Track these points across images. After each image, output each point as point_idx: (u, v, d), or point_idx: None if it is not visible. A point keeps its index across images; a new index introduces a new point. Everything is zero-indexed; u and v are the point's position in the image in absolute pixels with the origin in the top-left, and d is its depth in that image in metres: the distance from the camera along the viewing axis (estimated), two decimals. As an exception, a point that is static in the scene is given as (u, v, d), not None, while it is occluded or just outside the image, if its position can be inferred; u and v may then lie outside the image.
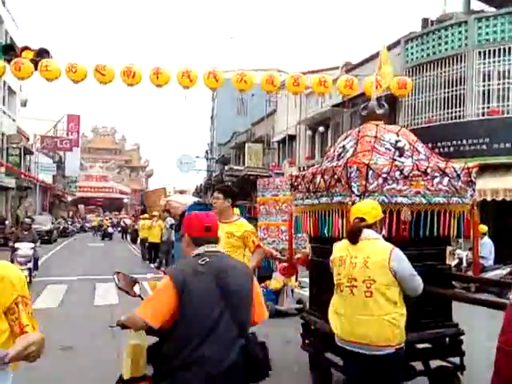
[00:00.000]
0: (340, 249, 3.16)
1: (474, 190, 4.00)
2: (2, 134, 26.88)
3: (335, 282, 3.10)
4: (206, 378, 2.11)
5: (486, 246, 9.94)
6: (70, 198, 47.94)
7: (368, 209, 3.14)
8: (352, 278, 2.96)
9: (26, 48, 10.34)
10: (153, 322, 2.19)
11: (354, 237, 3.05)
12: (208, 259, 2.28)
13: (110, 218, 38.40)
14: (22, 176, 28.67)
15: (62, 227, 29.94)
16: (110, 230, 30.41)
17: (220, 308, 2.19)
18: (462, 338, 3.94)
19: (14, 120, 29.72)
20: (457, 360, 3.92)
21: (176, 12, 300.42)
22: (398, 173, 3.74)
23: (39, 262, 12.19)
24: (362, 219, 3.06)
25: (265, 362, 2.28)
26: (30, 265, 10.28)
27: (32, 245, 10.61)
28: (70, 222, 35.25)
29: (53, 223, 26.73)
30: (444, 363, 3.99)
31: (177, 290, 2.15)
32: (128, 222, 31.07)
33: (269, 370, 2.31)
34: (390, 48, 14.42)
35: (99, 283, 10.70)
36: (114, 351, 5.59)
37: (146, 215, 18.48)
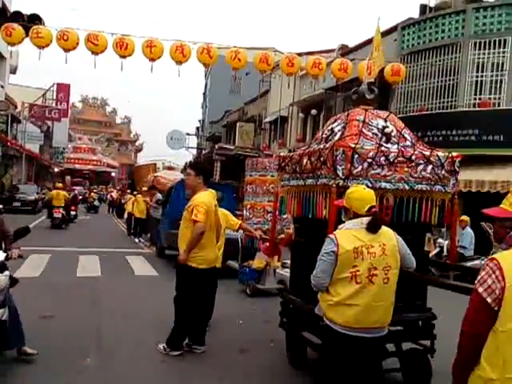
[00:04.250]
0: (349, 240, 2.87)
1: (456, 179, 4.06)
2: (-10, 100, 26.37)
3: (345, 275, 2.84)
4: None
5: (467, 236, 10.09)
6: (56, 169, 47.24)
7: (373, 196, 3.08)
8: (372, 267, 2.83)
9: (17, 13, 10.11)
10: None
11: (379, 226, 2.95)
12: None
13: (96, 191, 38.08)
14: (9, 144, 28.21)
15: (47, 198, 29.63)
16: (96, 203, 30.22)
17: None
18: (434, 322, 4.05)
19: (2, 87, 29.10)
20: (427, 343, 4.04)
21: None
22: (383, 158, 3.78)
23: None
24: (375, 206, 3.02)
25: None
26: None
27: None
28: (56, 193, 34.78)
29: (38, 193, 26.43)
30: (415, 345, 4.11)
31: None
32: (115, 195, 30.89)
33: None
34: (386, 33, 14.41)
35: (83, 255, 10.68)
36: (94, 321, 5.66)
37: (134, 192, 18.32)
